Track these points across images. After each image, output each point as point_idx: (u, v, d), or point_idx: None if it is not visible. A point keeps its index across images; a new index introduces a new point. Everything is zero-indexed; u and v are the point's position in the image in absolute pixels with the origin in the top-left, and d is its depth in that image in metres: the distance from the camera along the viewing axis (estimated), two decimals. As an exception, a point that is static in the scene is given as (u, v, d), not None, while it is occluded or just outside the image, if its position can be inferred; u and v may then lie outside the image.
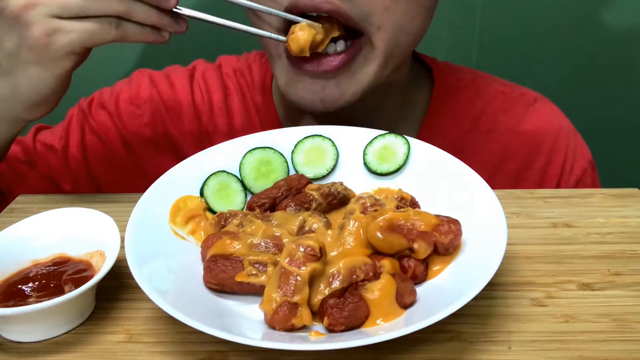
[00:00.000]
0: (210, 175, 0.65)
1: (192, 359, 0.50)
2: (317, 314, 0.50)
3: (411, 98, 0.89)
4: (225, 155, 0.67)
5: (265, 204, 0.63)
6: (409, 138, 0.67)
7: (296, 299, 0.49)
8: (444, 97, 0.90)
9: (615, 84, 1.34)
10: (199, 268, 0.56)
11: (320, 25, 0.71)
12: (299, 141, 0.69)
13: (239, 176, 0.66)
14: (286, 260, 0.50)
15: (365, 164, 0.68)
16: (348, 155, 0.69)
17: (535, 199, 0.71)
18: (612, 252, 0.61)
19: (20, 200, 0.74)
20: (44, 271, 0.56)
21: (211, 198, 0.64)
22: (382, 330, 0.48)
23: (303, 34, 0.69)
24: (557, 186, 0.88)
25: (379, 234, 0.53)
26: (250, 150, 0.67)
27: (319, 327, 0.50)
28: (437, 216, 0.54)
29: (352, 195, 0.65)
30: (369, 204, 0.56)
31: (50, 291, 0.53)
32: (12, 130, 0.72)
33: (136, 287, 0.50)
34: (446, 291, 0.51)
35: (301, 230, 0.58)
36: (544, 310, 0.54)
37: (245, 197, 0.66)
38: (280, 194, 0.64)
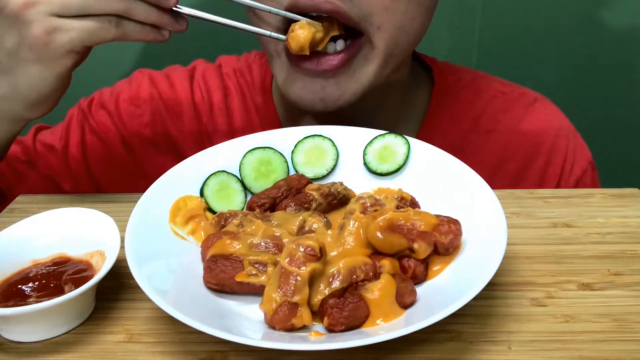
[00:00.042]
0: (210, 175, 0.65)
1: (192, 359, 0.50)
2: (317, 314, 0.50)
3: (411, 98, 0.89)
4: (225, 155, 0.67)
5: (265, 204, 0.63)
6: (409, 138, 0.67)
7: (296, 299, 0.49)
8: (444, 97, 0.90)
9: (615, 84, 1.34)
10: (199, 268, 0.56)
11: (320, 23, 0.71)
12: (299, 141, 0.69)
13: (239, 176, 0.66)
14: (286, 260, 0.50)
15: (365, 164, 0.68)
16: (348, 155, 0.69)
17: (535, 199, 0.71)
18: (612, 252, 0.61)
19: (20, 200, 0.74)
20: (44, 271, 0.56)
21: (211, 198, 0.64)
22: (382, 330, 0.48)
23: (303, 32, 0.69)
24: (557, 186, 0.88)
25: (379, 234, 0.53)
26: (250, 150, 0.67)
27: (319, 327, 0.50)
28: (437, 216, 0.54)
29: (352, 195, 0.65)
30: (369, 204, 0.56)
31: (50, 291, 0.53)
32: (12, 130, 0.72)
33: (136, 287, 0.50)
34: (446, 291, 0.51)
35: (301, 230, 0.58)
36: (544, 310, 0.54)
37: (245, 197, 0.66)
38: (280, 194, 0.64)
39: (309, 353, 0.49)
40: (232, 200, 0.65)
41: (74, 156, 0.87)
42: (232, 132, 0.89)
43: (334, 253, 0.53)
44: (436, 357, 0.49)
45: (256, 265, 0.53)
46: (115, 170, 0.89)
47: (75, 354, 0.51)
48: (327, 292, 0.50)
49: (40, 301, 0.50)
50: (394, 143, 0.68)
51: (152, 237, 0.57)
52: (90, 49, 0.66)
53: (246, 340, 0.45)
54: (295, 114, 0.88)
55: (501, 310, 0.54)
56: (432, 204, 0.61)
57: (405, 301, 0.51)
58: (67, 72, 0.65)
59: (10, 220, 0.61)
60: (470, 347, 0.50)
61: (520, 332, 0.51)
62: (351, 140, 0.69)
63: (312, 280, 0.50)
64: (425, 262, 0.54)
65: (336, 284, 0.50)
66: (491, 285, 0.53)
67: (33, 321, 0.51)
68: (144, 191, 0.61)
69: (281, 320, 0.49)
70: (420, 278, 0.54)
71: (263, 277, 0.53)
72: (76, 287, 0.51)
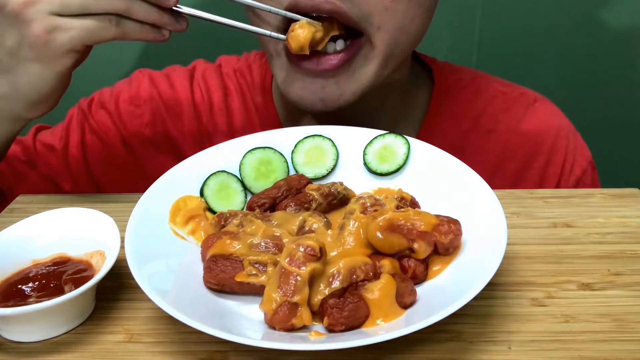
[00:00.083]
0: (210, 175, 0.65)
1: (192, 359, 0.50)
2: (317, 314, 0.50)
3: (411, 98, 0.89)
4: (225, 155, 0.67)
5: (265, 204, 0.63)
6: (409, 138, 0.67)
7: (296, 299, 0.49)
8: (444, 97, 0.90)
9: (615, 84, 1.34)
10: (199, 268, 0.56)
11: (320, 23, 0.71)
12: (299, 141, 0.69)
13: (239, 176, 0.66)
14: (286, 260, 0.50)
15: (365, 164, 0.68)
16: (348, 155, 0.69)
17: (535, 199, 0.71)
18: (612, 252, 0.61)
19: (20, 200, 0.74)
20: (44, 271, 0.56)
21: (211, 198, 0.64)
22: (382, 330, 0.48)
23: (303, 31, 0.69)
24: (557, 186, 0.88)
25: (379, 234, 0.53)
26: (250, 150, 0.67)
27: (319, 327, 0.50)
28: (437, 216, 0.54)
29: (352, 195, 0.65)
30: (369, 204, 0.56)
31: (50, 291, 0.53)
32: (12, 129, 0.72)
33: (136, 287, 0.50)
34: (446, 291, 0.51)
35: (301, 230, 0.58)
36: (544, 310, 0.54)
37: (245, 197, 0.66)
38: (280, 194, 0.64)
39: (309, 353, 0.49)
40: (232, 200, 0.65)
41: (74, 156, 0.87)
42: (232, 132, 0.89)
43: (334, 253, 0.53)
44: (436, 357, 0.49)
45: (256, 265, 0.53)
46: (115, 170, 0.89)
47: (75, 354, 0.51)
48: (327, 292, 0.50)
49: (40, 301, 0.50)
50: (394, 143, 0.68)
51: (152, 237, 0.57)
52: (91, 49, 0.66)
53: (246, 340, 0.45)
54: (295, 114, 0.88)
55: (501, 310, 0.54)
56: (432, 204, 0.61)
57: (405, 301, 0.51)
58: (67, 72, 0.65)
59: (10, 220, 0.61)
60: (470, 347, 0.50)
61: (520, 332, 0.51)
62: (351, 140, 0.69)
63: (312, 280, 0.50)
64: (425, 262, 0.54)
65: (336, 284, 0.50)
66: (491, 285, 0.53)
67: (33, 321, 0.51)
68: (144, 191, 0.61)
69: (281, 320, 0.49)
70: (420, 278, 0.54)
71: (263, 277, 0.53)
72: (76, 287, 0.51)
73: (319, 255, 0.50)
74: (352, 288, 0.51)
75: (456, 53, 1.32)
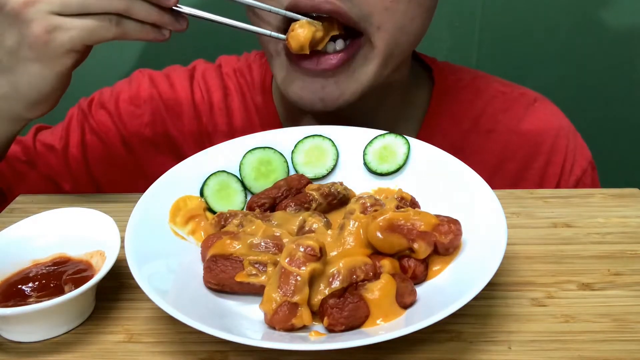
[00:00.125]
0: (210, 175, 0.65)
1: (192, 359, 0.50)
2: (317, 314, 0.50)
3: (411, 98, 0.89)
4: (225, 155, 0.67)
5: (265, 204, 0.63)
6: (409, 138, 0.67)
7: (296, 299, 0.49)
8: (444, 97, 0.90)
9: (615, 84, 1.34)
10: (199, 268, 0.56)
11: (320, 23, 0.71)
12: (299, 141, 0.69)
13: (239, 176, 0.66)
14: (286, 260, 0.50)
15: (365, 164, 0.68)
16: (348, 155, 0.69)
17: (535, 199, 0.71)
18: (612, 252, 0.61)
19: (20, 200, 0.74)
20: (44, 271, 0.56)
21: (211, 198, 0.64)
22: (382, 330, 0.48)
23: (303, 31, 0.69)
24: (557, 186, 0.88)
25: (379, 234, 0.53)
26: (250, 150, 0.67)
27: (319, 327, 0.50)
28: (437, 216, 0.54)
29: (352, 195, 0.65)
30: (369, 204, 0.56)
31: (50, 291, 0.53)
32: (12, 129, 0.72)
33: (136, 287, 0.50)
34: (446, 291, 0.51)
35: (301, 230, 0.58)
36: (544, 310, 0.54)
37: (245, 197, 0.66)
38: (280, 194, 0.64)
39: (309, 353, 0.49)
40: (232, 200, 0.65)
41: (74, 156, 0.87)
42: (232, 132, 0.89)
43: (334, 253, 0.53)
44: (436, 357, 0.49)
45: (256, 265, 0.53)
46: (115, 170, 0.89)
47: (75, 354, 0.51)
48: (327, 292, 0.50)
49: (40, 301, 0.50)
50: (394, 143, 0.68)
51: (152, 237, 0.57)
52: (91, 48, 0.66)
53: (246, 340, 0.45)
54: (295, 114, 0.88)
55: (501, 310, 0.54)
56: (432, 204, 0.61)
57: (405, 301, 0.51)
58: (67, 71, 0.65)
59: (10, 220, 0.61)
60: (470, 347, 0.50)
61: (520, 332, 0.51)
62: (351, 140, 0.69)
63: (312, 280, 0.50)
64: (425, 262, 0.54)
65: (336, 284, 0.50)
66: (491, 285, 0.53)
67: (33, 321, 0.51)
68: (144, 191, 0.61)
69: (281, 320, 0.49)
70: (420, 278, 0.54)
71: (263, 277, 0.53)
72: (76, 287, 0.51)
73: (319, 255, 0.50)
74: (352, 288, 0.51)
75: (456, 53, 1.32)
